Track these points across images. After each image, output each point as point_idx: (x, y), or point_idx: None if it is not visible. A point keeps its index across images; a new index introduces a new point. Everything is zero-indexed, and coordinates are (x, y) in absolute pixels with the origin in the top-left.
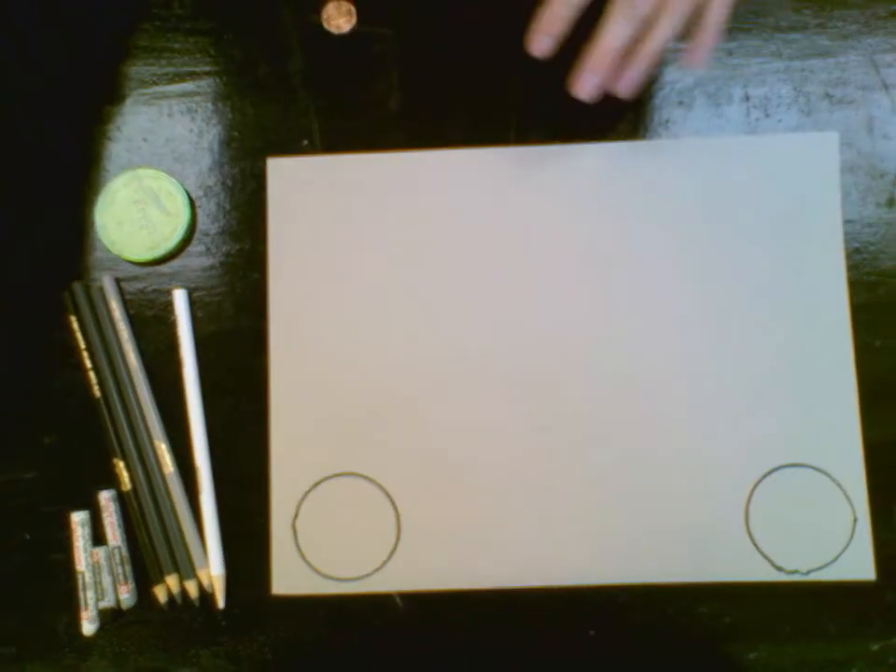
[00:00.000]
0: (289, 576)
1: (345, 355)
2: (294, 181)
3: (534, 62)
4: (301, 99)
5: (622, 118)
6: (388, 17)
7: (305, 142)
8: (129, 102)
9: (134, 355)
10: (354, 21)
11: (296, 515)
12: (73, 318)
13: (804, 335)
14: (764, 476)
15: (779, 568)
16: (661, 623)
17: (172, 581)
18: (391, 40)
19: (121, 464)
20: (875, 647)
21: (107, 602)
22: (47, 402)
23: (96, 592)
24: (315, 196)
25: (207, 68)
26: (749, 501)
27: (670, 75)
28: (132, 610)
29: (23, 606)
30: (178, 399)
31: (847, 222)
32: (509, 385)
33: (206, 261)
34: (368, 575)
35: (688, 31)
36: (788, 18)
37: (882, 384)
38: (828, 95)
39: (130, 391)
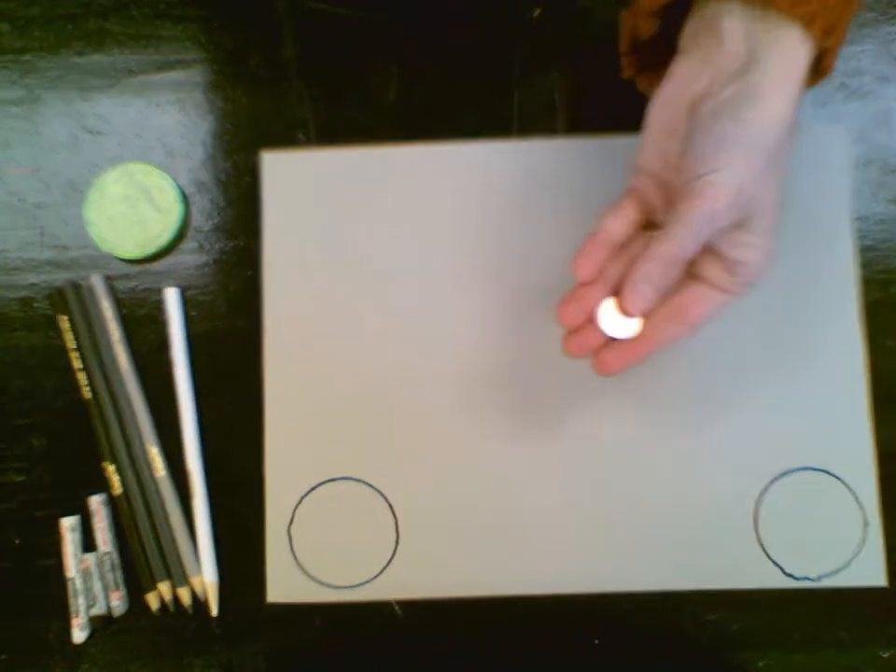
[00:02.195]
0: (285, 583)
1: (342, 356)
2: (289, 176)
3: (535, 53)
4: (295, 89)
5: (628, 111)
6: (385, 3)
7: (301, 136)
8: (116, 93)
9: (126, 355)
10: None
11: (291, 521)
12: (62, 318)
13: (814, 335)
14: (774, 480)
15: (789, 575)
16: (668, 630)
17: (164, 587)
18: (388, 28)
19: (112, 467)
20: (886, 654)
21: (98, 609)
22: (36, 404)
23: (87, 598)
24: (311, 191)
25: (197, 56)
26: (758, 506)
27: None
28: (123, 618)
29: (13, 612)
30: (170, 401)
31: (858, 219)
32: (509, 387)
33: (199, 259)
34: (365, 582)
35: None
36: None
37: (895, 385)
38: (843, 86)
39: (121, 393)
